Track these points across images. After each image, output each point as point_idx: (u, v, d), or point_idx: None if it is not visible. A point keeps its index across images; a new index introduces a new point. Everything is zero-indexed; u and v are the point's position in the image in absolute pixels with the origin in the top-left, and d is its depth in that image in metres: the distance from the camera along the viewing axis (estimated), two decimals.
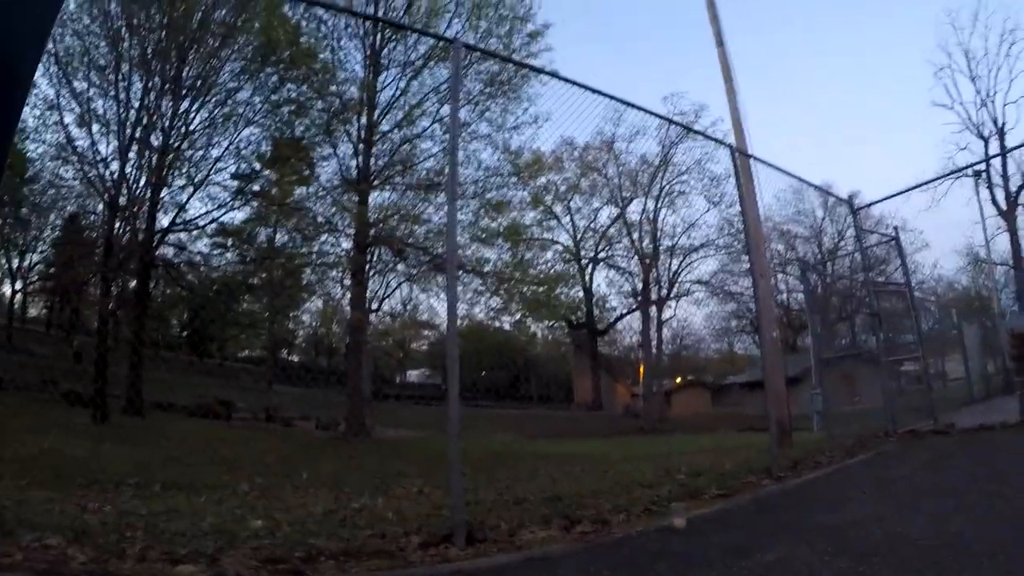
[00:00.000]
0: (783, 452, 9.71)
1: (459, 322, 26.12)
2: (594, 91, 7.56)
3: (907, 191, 17.44)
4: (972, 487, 6.40)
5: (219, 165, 21.01)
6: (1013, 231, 35.99)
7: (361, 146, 21.54)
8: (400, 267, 22.58)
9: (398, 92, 21.90)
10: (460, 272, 21.62)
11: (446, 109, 18.37)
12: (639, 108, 9.12)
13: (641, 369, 46.23)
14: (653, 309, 44.14)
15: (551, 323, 42.27)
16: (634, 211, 44.24)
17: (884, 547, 4.22)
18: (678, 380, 55.12)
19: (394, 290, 23.64)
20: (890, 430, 11.74)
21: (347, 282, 22.08)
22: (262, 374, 43.12)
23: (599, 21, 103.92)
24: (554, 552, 4.52)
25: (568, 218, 45.49)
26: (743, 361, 55.57)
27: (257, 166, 21.64)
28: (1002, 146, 37.32)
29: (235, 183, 21.44)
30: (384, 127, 21.99)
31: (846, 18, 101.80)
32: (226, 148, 20.94)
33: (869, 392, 17.03)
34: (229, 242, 22.94)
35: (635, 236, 44.31)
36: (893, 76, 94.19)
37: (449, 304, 5.78)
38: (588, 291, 46.62)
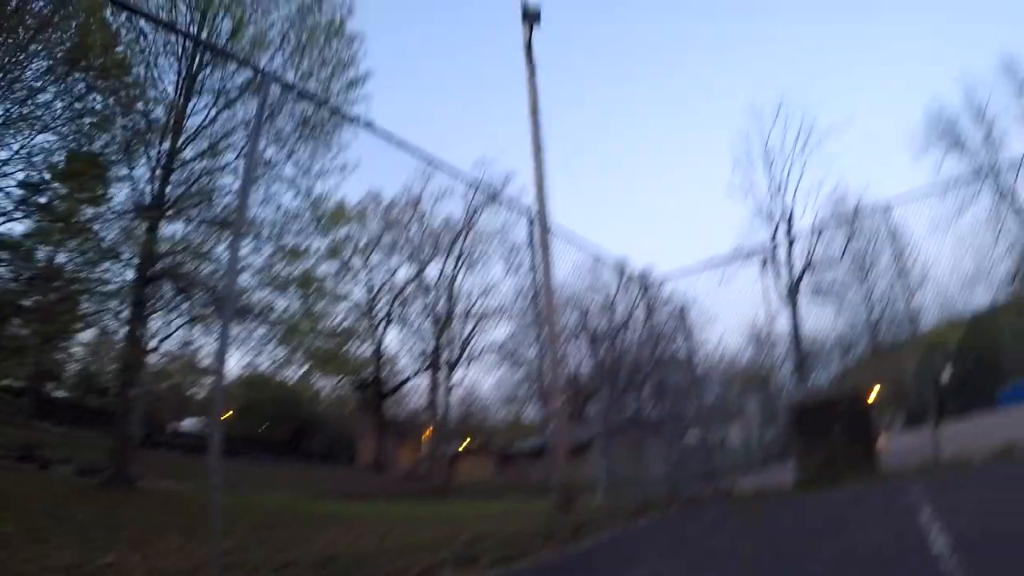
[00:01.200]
0: (567, 518, 9.67)
1: (242, 371, 25.04)
2: (406, 147, 7.42)
3: (697, 270, 17.77)
4: (748, 549, 6.52)
5: (5, 169, 19.07)
6: (794, 311, 38.75)
7: (159, 171, 20.18)
8: (184, 306, 21.24)
9: (207, 120, 20.72)
10: (245, 317, 20.70)
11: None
12: (448, 169, 9.13)
13: (427, 432, 45.95)
14: (443, 372, 44.18)
15: (338, 379, 41.34)
16: (432, 272, 44.36)
17: None
18: (464, 444, 55.11)
19: (176, 330, 22.07)
20: (673, 496, 12.00)
21: (126, 315, 20.50)
22: (22, 407, 39.50)
23: (419, 76, 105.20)
24: None
25: (365, 272, 44.90)
26: (531, 428, 56.29)
27: (47, 176, 19.81)
28: (788, 233, 41.47)
29: (20, 192, 19.54)
30: (187, 155, 20.69)
31: (655, 100, 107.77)
32: (16, 152, 19.08)
33: (654, 459, 17.50)
34: (4, 256, 20.80)
35: (431, 297, 44.38)
36: (694, 160, 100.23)
37: (221, 343, 5.37)
38: (378, 349, 46.05)
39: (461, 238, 42.67)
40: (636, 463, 21.41)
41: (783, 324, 40.08)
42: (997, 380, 34.46)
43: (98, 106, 19.24)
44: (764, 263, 34.33)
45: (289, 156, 21.46)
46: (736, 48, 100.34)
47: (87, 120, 19.23)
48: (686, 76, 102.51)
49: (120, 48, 19.31)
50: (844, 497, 9.91)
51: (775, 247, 39.78)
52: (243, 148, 20.27)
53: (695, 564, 5.96)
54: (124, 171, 20.18)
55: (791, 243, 40.05)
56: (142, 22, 19.10)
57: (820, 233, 37.29)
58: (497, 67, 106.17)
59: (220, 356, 5.36)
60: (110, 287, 20.40)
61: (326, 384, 35.98)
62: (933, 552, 4.52)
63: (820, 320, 42.85)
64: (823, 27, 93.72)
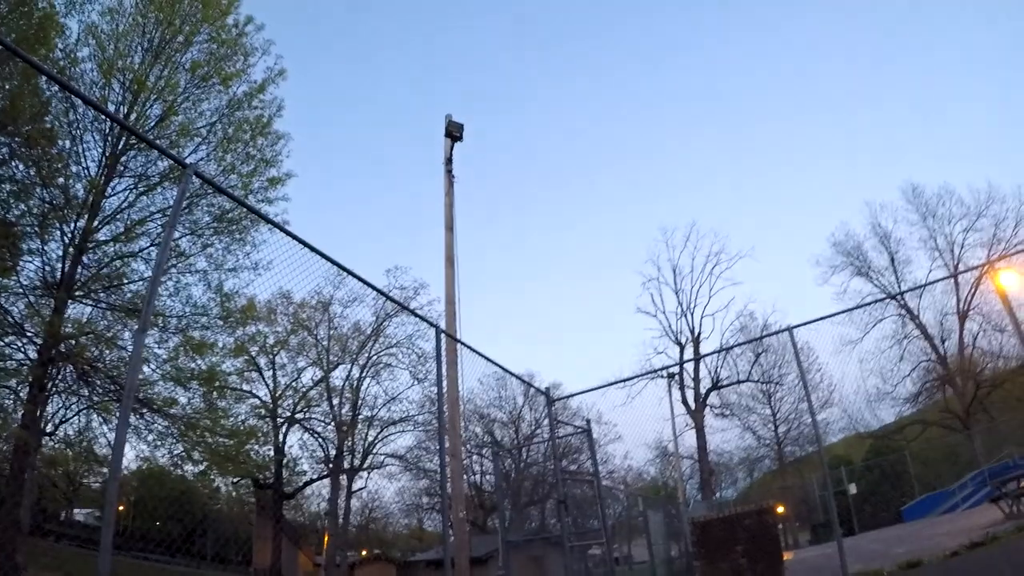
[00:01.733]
0: None
1: (139, 465, 23.92)
2: (318, 252, 7.65)
3: (605, 387, 17.50)
4: None
5: None
6: (700, 428, 41.02)
7: (72, 250, 19.51)
8: (84, 391, 20.41)
9: (126, 203, 20.41)
10: (145, 410, 19.99)
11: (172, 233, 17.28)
12: (359, 278, 9.25)
13: (326, 538, 44.62)
14: (344, 478, 43.25)
15: (237, 479, 40.06)
16: (338, 376, 43.66)
17: None
18: (364, 552, 53.56)
19: (74, 415, 21.20)
20: None
21: (23, 395, 19.49)
22: None
23: (340, 179, 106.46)
24: None
25: (270, 372, 43.95)
26: (432, 538, 55.22)
27: None
28: (696, 352, 43.66)
29: None
30: (101, 236, 20.16)
31: (570, 220, 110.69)
32: None
33: (556, 573, 17.30)
34: None
35: (336, 402, 43.63)
36: (604, 279, 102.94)
37: (119, 434, 5.24)
38: (280, 451, 44.69)
39: (369, 344, 42.38)
40: None
41: (689, 440, 41.53)
42: (903, 494, 35.41)
43: (19, 174, 18.76)
44: (671, 380, 35.56)
45: (203, 249, 21.19)
46: (650, 174, 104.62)
47: (6, 187, 18.67)
48: (601, 196, 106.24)
49: (48, 118, 18.96)
50: None
51: (683, 365, 41.31)
52: (158, 235, 19.96)
53: None
54: (36, 244, 19.54)
55: (698, 361, 41.87)
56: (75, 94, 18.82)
57: (727, 352, 39.07)
58: (414, 178, 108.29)
59: (118, 451, 5.20)
60: (10, 364, 19.55)
61: (224, 482, 34.70)
62: None
63: (727, 436, 44.54)
64: (737, 155, 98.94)
